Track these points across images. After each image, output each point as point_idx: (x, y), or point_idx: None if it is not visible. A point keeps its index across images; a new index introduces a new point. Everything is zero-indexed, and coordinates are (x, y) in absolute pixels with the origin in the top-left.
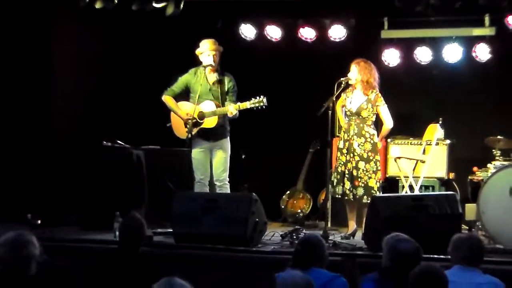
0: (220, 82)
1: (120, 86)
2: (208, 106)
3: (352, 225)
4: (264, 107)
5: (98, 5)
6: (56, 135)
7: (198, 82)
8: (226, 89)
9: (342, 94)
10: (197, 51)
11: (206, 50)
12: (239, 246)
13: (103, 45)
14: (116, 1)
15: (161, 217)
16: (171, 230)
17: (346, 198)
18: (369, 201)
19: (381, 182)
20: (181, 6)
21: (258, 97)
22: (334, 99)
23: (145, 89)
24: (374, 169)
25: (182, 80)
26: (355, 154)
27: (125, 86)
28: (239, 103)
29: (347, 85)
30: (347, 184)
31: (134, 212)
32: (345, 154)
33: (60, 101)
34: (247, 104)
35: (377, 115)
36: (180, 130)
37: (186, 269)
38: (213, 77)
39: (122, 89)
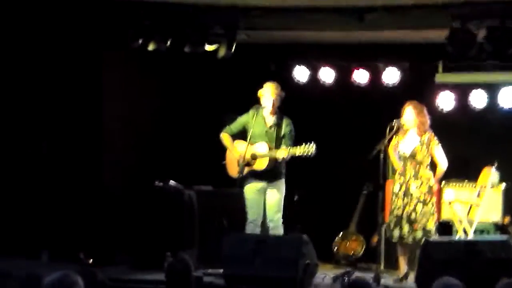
0: (278, 125)
1: (173, 128)
2: (261, 147)
3: (403, 267)
4: (311, 155)
5: (151, 47)
6: (109, 175)
7: (256, 123)
8: (282, 133)
9: (394, 137)
10: (260, 93)
11: (267, 94)
12: None
13: (156, 86)
14: (169, 43)
15: (213, 258)
16: (222, 271)
17: (404, 241)
18: None
19: (437, 224)
20: (233, 48)
21: (307, 145)
22: (386, 142)
23: (198, 130)
24: (432, 211)
25: (241, 120)
26: (413, 197)
27: (178, 127)
28: (289, 149)
29: (398, 129)
30: (406, 227)
31: (182, 253)
32: (402, 197)
33: (113, 139)
34: (296, 151)
35: (431, 157)
36: (233, 169)
37: None
38: (271, 119)
39: (176, 130)
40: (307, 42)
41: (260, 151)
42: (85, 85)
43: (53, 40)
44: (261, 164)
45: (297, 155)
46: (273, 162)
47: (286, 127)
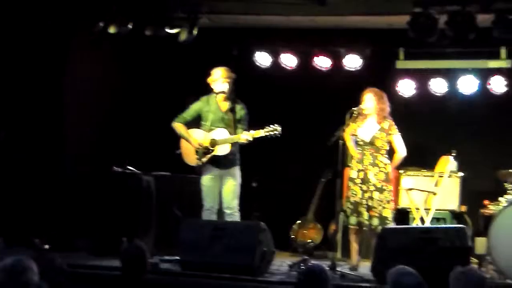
0: (232, 110)
1: (133, 112)
2: (221, 133)
3: (355, 256)
4: (278, 135)
5: (112, 30)
6: (66, 160)
7: (210, 110)
8: (238, 117)
9: (351, 123)
10: (210, 79)
11: (220, 78)
12: (245, 275)
13: (116, 71)
14: (130, 26)
15: (170, 244)
16: (178, 258)
17: (364, 228)
18: None
19: (393, 212)
20: (195, 32)
21: (272, 126)
22: (346, 128)
23: (158, 115)
24: (388, 199)
25: (194, 107)
26: (370, 184)
27: (138, 112)
28: (252, 131)
29: (357, 115)
30: (365, 215)
31: (138, 240)
32: (360, 184)
33: (71, 127)
34: (261, 132)
35: (390, 144)
36: (190, 157)
37: None
38: (225, 105)
39: (134, 115)
40: (269, 27)
41: (220, 137)
42: (46, 70)
43: (13, 23)
44: (223, 150)
45: (262, 136)
46: (234, 147)
47: (240, 110)
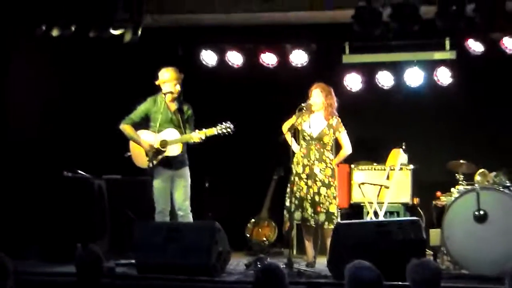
0: (180, 110)
1: (80, 115)
2: (171, 134)
3: (311, 251)
4: (231, 132)
5: (55, 33)
6: (14, 165)
7: (158, 111)
8: (186, 116)
9: (295, 119)
10: (159, 81)
11: (169, 79)
12: (202, 276)
13: (60, 73)
14: (73, 29)
15: (125, 248)
16: (134, 261)
17: (307, 224)
18: (330, 227)
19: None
20: (139, 32)
21: (224, 123)
22: (295, 124)
23: (106, 117)
24: (335, 195)
25: (142, 109)
26: (317, 179)
27: (85, 115)
28: (205, 130)
29: (300, 110)
30: (309, 210)
31: (92, 244)
32: (304, 179)
33: (18, 129)
34: (214, 131)
35: (335, 141)
36: (141, 159)
37: None
38: (173, 105)
39: (82, 118)
40: (214, 25)
41: (171, 138)
42: None
43: None
44: (175, 150)
45: (215, 134)
46: (185, 147)
47: (187, 110)
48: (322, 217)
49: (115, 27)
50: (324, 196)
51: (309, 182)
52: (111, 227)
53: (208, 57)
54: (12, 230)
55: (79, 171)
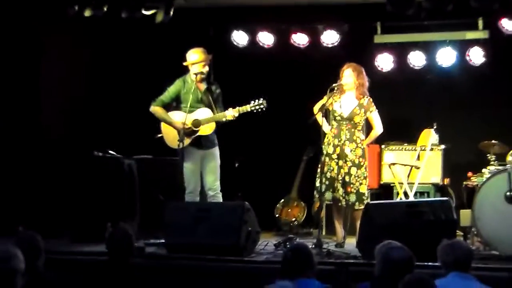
0: (209, 90)
1: (111, 96)
2: (203, 113)
3: (340, 232)
4: (264, 109)
5: (87, 13)
6: (46, 146)
7: (188, 92)
8: (215, 96)
9: (326, 100)
10: (188, 62)
11: (198, 61)
12: (231, 256)
13: (92, 54)
14: (106, 9)
15: (154, 228)
16: (163, 241)
17: (338, 204)
18: (361, 208)
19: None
20: (171, 13)
21: (257, 100)
22: (327, 104)
23: (137, 98)
24: (365, 175)
25: (172, 90)
26: (347, 159)
27: (116, 95)
28: (238, 107)
29: (332, 91)
30: (340, 191)
31: (122, 223)
32: (335, 160)
33: (50, 111)
34: (248, 107)
35: (366, 120)
36: (172, 140)
37: (178, 280)
38: (202, 85)
39: (113, 99)
40: (245, 5)
41: (203, 117)
42: (21, 56)
43: None
44: (207, 129)
45: (248, 111)
46: (219, 125)
47: (216, 89)
48: (352, 197)
49: (146, 8)
50: (355, 176)
51: (340, 162)
52: (141, 207)
53: (239, 38)
54: (43, 210)
55: (110, 151)
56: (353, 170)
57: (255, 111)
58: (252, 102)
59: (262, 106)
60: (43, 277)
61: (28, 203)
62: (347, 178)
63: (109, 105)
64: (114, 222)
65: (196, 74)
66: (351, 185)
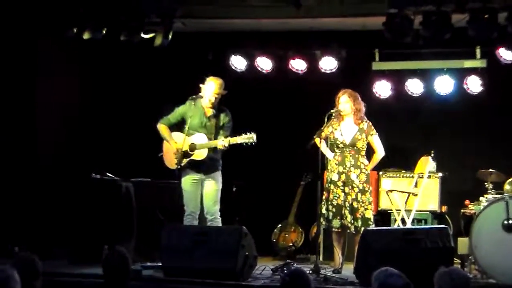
0: (216, 116)
1: (109, 118)
2: (200, 138)
3: (338, 258)
4: (253, 144)
5: (86, 36)
6: (43, 168)
7: (194, 114)
8: (221, 124)
9: (324, 127)
10: (203, 87)
11: (211, 92)
12: (229, 280)
13: (92, 76)
14: (104, 32)
15: (151, 251)
16: (161, 264)
17: (348, 231)
18: None
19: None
20: (170, 37)
21: (248, 133)
22: (324, 130)
23: (135, 120)
24: (370, 200)
25: (179, 111)
26: (354, 185)
27: (115, 117)
28: (229, 138)
29: (329, 117)
30: (349, 217)
31: (119, 246)
32: (341, 187)
33: (47, 132)
34: (237, 139)
35: (368, 145)
36: (171, 161)
37: None
38: (210, 111)
39: (111, 121)
40: (244, 30)
41: (199, 142)
42: (17, 77)
43: None
44: (200, 155)
45: (238, 143)
46: (212, 152)
47: (225, 117)
48: (359, 223)
49: (145, 31)
50: (360, 202)
51: (346, 189)
52: (138, 229)
53: (238, 62)
54: (40, 231)
55: (107, 174)
56: (359, 196)
57: (244, 144)
58: (243, 134)
59: (251, 141)
60: None
61: (26, 224)
62: (355, 204)
63: (108, 127)
64: (111, 245)
65: (204, 101)
66: (358, 211)
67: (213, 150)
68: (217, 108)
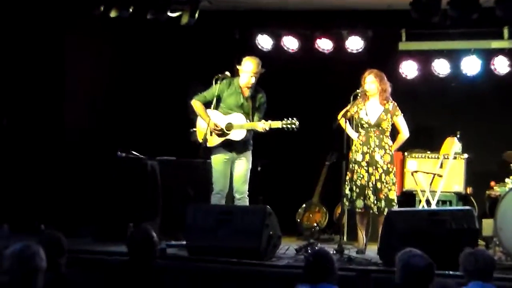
0: (253, 97)
1: (136, 97)
2: (238, 118)
3: (362, 238)
4: (295, 129)
5: (113, 14)
6: (70, 146)
7: (232, 94)
8: (257, 105)
9: (350, 107)
10: (240, 68)
11: (249, 72)
12: (252, 259)
13: (118, 55)
14: (131, 10)
15: (176, 229)
16: (185, 242)
17: (370, 211)
18: None
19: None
20: (197, 15)
21: (291, 119)
22: (350, 110)
23: (161, 99)
24: (394, 181)
25: (216, 88)
26: (378, 166)
27: (141, 96)
28: (270, 122)
29: (355, 97)
30: (372, 198)
31: (145, 224)
32: (365, 167)
33: (74, 111)
34: (279, 124)
35: (392, 125)
36: (204, 136)
37: (199, 282)
38: (247, 91)
39: (137, 100)
40: (270, 9)
41: (237, 122)
42: (45, 56)
43: (12, 8)
44: (238, 135)
45: (280, 127)
46: (249, 134)
47: (261, 98)
48: (382, 203)
49: (172, 10)
50: (384, 182)
51: (370, 170)
52: (163, 208)
53: (264, 41)
54: (67, 209)
55: (133, 152)
56: (383, 177)
57: (285, 129)
58: (285, 119)
59: (294, 126)
60: (65, 275)
61: (51, 202)
62: (378, 185)
63: (133, 106)
64: (136, 223)
65: (242, 81)
66: (382, 191)
67: (250, 132)
68: (254, 89)
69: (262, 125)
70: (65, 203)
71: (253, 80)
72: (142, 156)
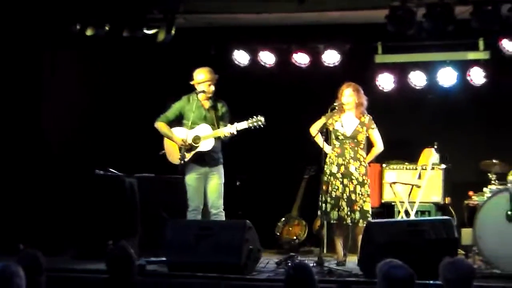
0: (214, 107)
1: (113, 114)
2: (204, 129)
3: (340, 250)
4: (262, 126)
5: (89, 32)
6: (48, 165)
7: (192, 109)
8: (220, 114)
9: (326, 119)
10: (194, 81)
11: (204, 80)
12: (233, 274)
13: (96, 72)
14: (107, 28)
15: (155, 246)
16: (165, 259)
17: (344, 222)
18: (364, 225)
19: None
20: (173, 32)
21: (255, 116)
22: (327, 122)
23: (138, 116)
24: (368, 193)
25: (176, 106)
26: (353, 178)
27: (118, 113)
28: (236, 124)
29: (332, 110)
30: (346, 209)
31: (123, 242)
32: (340, 178)
33: (51, 129)
34: (245, 124)
35: (367, 138)
36: (174, 156)
37: None
38: (208, 103)
39: (114, 117)
40: (246, 25)
41: (203, 133)
42: (23, 72)
43: None
44: (207, 145)
45: (246, 127)
46: (217, 144)
47: (222, 107)
48: (357, 215)
49: (148, 27)
50: (359, 194)
51: (345, 181)
52: (142, 225)
53: (241, 57)
54: (44, 227)
55: (111, 169)
56: (358, 188)
57: (252, 127)
58: (250, 119)
59: (259, 123)
60: None
61: (29, 220)
62: (353, 196)
63: (111, 123)
64: (115, 240)
65: (199, 92)
66: (356, 203)
67: (218, 141)
68: (213, 99)
69: (228, 129)
70: (43, 222)
71: (212, 88)
72: (119, 174)
